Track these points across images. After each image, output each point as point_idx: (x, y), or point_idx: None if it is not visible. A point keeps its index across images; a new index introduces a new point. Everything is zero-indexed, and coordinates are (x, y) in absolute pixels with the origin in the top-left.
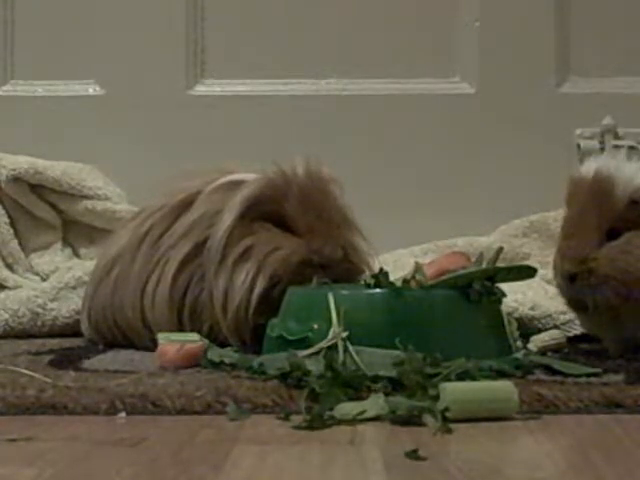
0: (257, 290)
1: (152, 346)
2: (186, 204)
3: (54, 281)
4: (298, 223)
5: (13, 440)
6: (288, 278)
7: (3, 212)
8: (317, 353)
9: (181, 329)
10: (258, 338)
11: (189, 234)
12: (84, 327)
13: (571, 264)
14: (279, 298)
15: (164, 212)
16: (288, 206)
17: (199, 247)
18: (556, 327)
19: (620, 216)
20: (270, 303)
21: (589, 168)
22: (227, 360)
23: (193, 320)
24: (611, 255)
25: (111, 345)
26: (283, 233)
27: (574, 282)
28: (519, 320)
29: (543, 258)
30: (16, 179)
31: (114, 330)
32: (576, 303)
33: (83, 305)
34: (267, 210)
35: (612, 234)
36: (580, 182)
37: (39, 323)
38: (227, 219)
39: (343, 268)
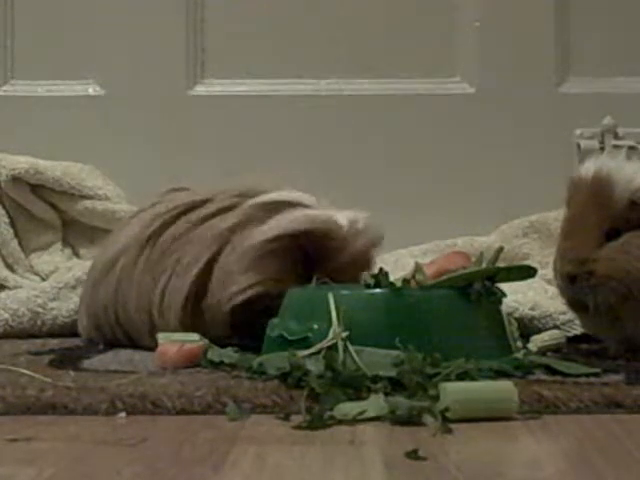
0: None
1: (154, 345)
2: (198, 207)
3: (54, 281)
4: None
5: (13, 440)
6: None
7: (3, 212)
8: (317, 353)
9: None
10: (258, 338)
11: (216, 241)
12: (81, 326)
13: (571, 265)
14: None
15: (177, 213)
16: (333, 263)
17: (219, 255)
18: (556, 327)
19: (620, 217)
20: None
21: (588, 169)
22: (227, 360)
23: (208, 324)
24: (611, 255)
25: (111, 344)
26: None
27: (574, 283)
28: (519, 320)
29: (543, 258)
30: (16, 179)
31: (115, 329)
32: (576, 304)
33: (81, 305)
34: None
35: (612, 235)
36: (579, 183)
37: (39, 323)
38: (259, 237)
39: None
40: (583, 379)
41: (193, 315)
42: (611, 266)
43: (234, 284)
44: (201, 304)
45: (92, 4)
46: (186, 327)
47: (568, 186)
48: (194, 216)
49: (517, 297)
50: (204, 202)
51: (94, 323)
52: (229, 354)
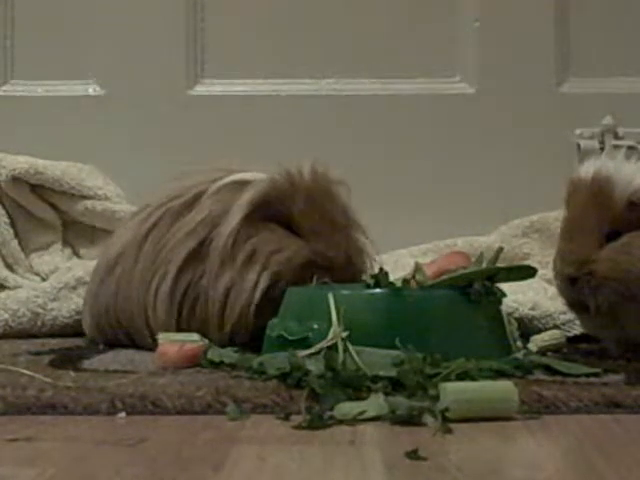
0: (259, 290)
1: (154, 346)
2: (189, 202)
3: (54, 281)
4: (303, 225)
5: (13, 440)
6: (290, 279)
7: (3, 212)
8: (317, 353)
9: (181, 329)
10: (258, 338)
11: (193, 233)
12: (86, 326)
13: (571, 267)
14: (280, 298)
15: (167, 210)
16: (294, 208)
17: (203, 246)
18: (556, 327)
19: (619, 217)
20: (271, 303)
21: (588, 169)
22: (227, 360)
23: (191, 319)
24: (611, 256)
25: (113, 344)
26: (288, 235)
27: (575, 285)
28: (519, 320)
29: (543, 258)
30: (16, 179)
31: (117, 329)
32: (577, 304)
33: (85, 304)
34: (272, 212)
35: (612, 236)
36: (579, 183)
37: (39, 323)
38: (233, 220)
39: (346, 270)
40: (583, 379)
41: (179, 312)
42: (611, 267)
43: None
44: (184, 299)
45: (92, 4)
46: (172, 325)
47: (567, 187)
48: (174, 212)
49: (517, 297)
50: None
51: (96, 323)
52: (229, 354)
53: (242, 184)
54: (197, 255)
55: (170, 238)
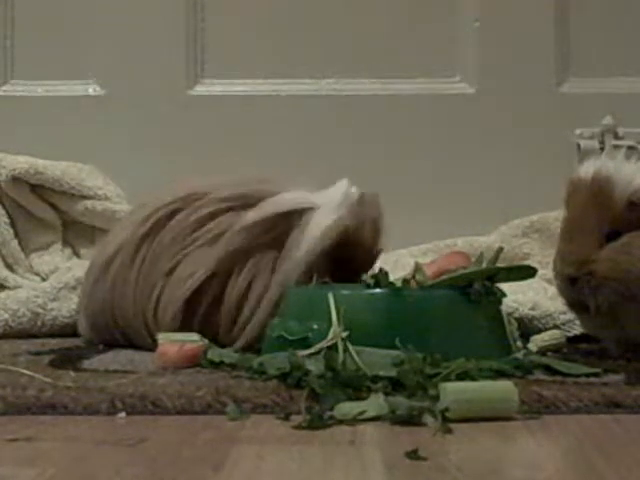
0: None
1: (152, 346)
2: (212, 214)
3: (54, 281)
4: (358, 270)
5: (13, 440)
6: None
7: (3, 212)
8: (317, 353)
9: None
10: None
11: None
12: (81, 328)
13: (571, 267)
14: None
15: (173, 209)
16: (356, 258)
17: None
18: (556, 327)
19: (619, 217)
20: None
21: (587, 170)
22: (227, 360)
23: (206, 325)
24: (611, 256)
25: (109, 345)
26: None
27: (575, 285)
28: (519, 320)
29: (543, 258)
30: (16, 179)
31: (113, 329)
32: (577, 304)
33: (79, 305)
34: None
35: (612, 236)
36: (579, 184)
37: (39, 323)
38: (298, 267)
39: None
40: (583, 379)
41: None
42: (611, 267)
43: None
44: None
45: (92, 4)
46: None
47: (567, 187)
48: (191, 216)
49: (517, 297)
50: (200, 196)
51: (92, 324)
52: (229, 354)
53: (295, 215)
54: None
55: (181, 242)
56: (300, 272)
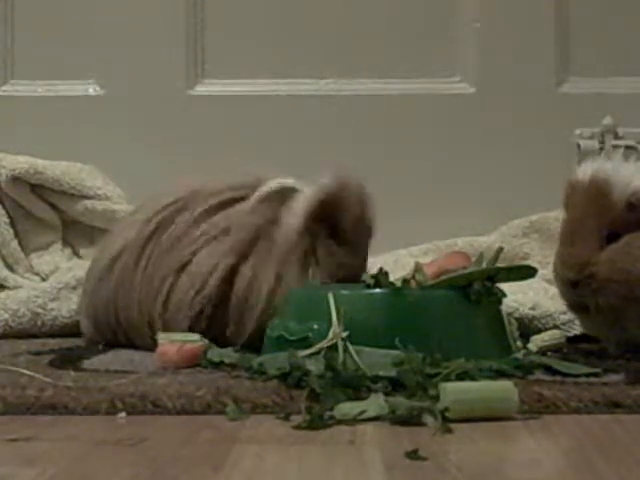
0: None
1: (154, 346)
2: (213, 208)
3: (54, 281)
4: (349, 237)
5: (13, 440)
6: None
7: (3, 212)
8: (317, 353)
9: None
10: (258, 338)
11: (239, 243)
12: (83, 327)
13: (572, 271)
14: None
15: (176, 209)
16: (343, 218)
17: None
18: (556, 327)
19: (619, 219)
20: None
21: (585, 171)
22: (227, 360)
23: (214, 325)
24: (611, 258)
25: (111, 344)
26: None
27: (576, 288)
28: (519, 320)
29: (543, 258)
30: (16, 179)
31: (116, 329)
32: (578, 306)
33: (80, 305)
34: (324, 221)
35: (612, 238)
36: (577, 186)
37: (39, 323)
38: (292, 229)
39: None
40: (583, 379)
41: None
42: (612, 268)
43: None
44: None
45: (92, 4)
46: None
47: (565, 189)
48: (194, 213)
49: (517, 297)
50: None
51: (94, 323)
52: (229, 354)
53: (287, 192)
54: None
55: (187, 241)
56: (292, 240)
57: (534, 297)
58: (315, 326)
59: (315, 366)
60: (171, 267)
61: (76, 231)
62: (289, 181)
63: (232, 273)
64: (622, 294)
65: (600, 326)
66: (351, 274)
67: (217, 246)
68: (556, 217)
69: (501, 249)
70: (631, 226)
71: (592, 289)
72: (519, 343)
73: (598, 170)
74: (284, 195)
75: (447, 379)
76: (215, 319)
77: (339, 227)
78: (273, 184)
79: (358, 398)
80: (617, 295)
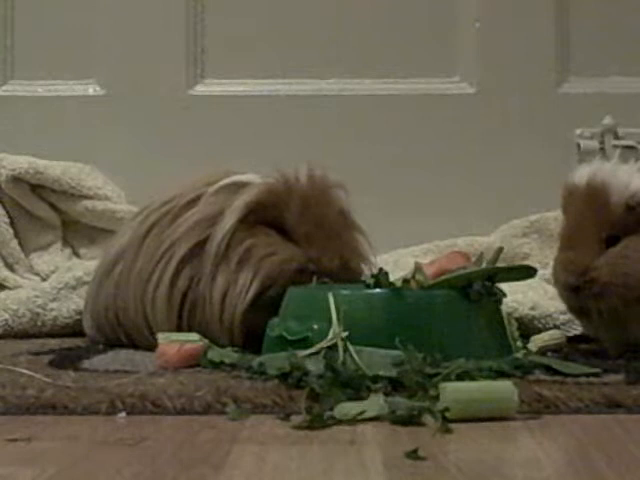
0: (250, 293)
1: (154, 346)
2: (188, 204)
3: (54, 281)
4: (298, 231)
5: (13, 440)
6: (282, 284)
7: (3, 212)
8: (317, 353)
9: (180, 329)
10: (258, 338)
11: (190, 233)
12: (87, 326)
13: (572, 276)
14: (272, 302)
15: (166, 211)
16: (288, 213)
17: (199, 247)
18: (556, 327)
19: (617, 222)
20: (262, 306)
21: (582, 175)
22: (227, 360)
23: (191, 320)
24: (611, 262)
25: (114, 345)
26: (282, 239)
27: (577, 293)
28: (519, 320)
29: (543, 258)
30: (16, 179)
31: (117, 329)
32: (579, 310)
33: (86, 304)
34: (268, 216)
35: (611, 241)
36: (574, 189)
37: (39, 323)
38: (228, 221)
39: (341, 275)
40: (583, 379)
41: (179, 312)
42: (612, 272)
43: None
44: (184, 299)
45: (92, 4)
46: (172, 324)
47: (563, 193)
48: (173, 213)
49: (517, 297)
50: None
51: (96, 323)
52: (229, 354)
53: (239, 186)
54: (194, 256)
55: (167, 238)
56: (233, 222)
57: (534, 297)
58: (315, 326)
59: (315, 366)
60: (157, 264)
61: (76, 231)
62: (247, 177)
63: (177, 274)
64: (624, 297)
65: (601, 329)
66: (326, 272)
67: (178, 245)
68: (556, 217)
69: (501, 249)
70: (630, 228)
71: (593, 293)
72: (519, 343)
73: (595, 173)
74: (232, 191)
75: (447, 379)
76: (191, 318)
77: (282, 221)
78: (225, 181)
79: (358, 398)
80: (618, 298)
